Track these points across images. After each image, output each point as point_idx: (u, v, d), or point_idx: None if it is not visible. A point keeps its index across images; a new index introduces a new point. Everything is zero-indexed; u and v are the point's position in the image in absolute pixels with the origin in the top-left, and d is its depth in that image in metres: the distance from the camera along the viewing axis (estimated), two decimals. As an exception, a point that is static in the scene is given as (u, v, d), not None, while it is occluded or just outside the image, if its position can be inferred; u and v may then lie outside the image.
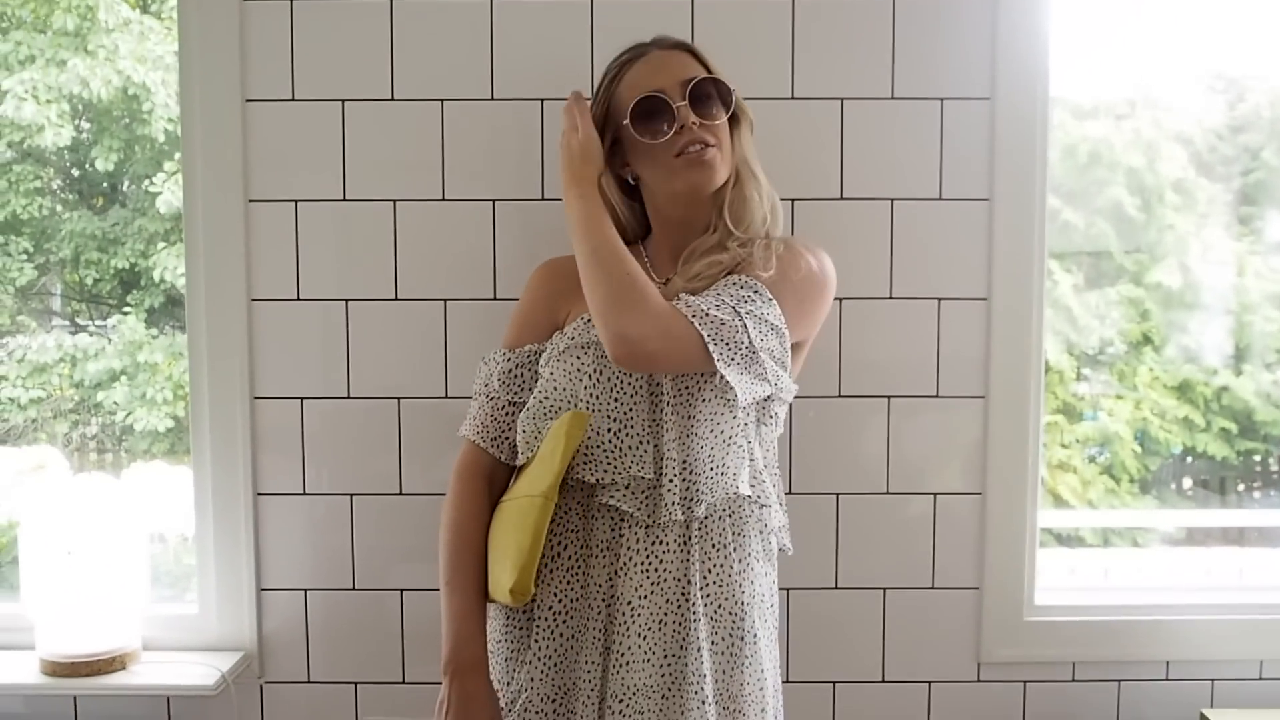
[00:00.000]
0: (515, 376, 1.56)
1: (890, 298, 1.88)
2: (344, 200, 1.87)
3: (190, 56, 1.86)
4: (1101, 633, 1.95)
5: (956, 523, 1.91)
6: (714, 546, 1.46)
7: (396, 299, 1.88)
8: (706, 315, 1.37)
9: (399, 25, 1.84)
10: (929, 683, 1.96)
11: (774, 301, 1.42)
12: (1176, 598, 2.01)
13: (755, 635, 1.47)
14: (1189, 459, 2.49)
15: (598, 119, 1.52)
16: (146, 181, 2.78)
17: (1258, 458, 2.55)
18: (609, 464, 1.43)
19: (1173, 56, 2.44)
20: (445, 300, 1.88)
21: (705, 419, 1.44)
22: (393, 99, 1.86)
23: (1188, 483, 2.72)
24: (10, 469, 2.06)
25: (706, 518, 1.46)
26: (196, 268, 1.89)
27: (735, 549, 1.48)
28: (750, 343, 1.38)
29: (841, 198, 1.86)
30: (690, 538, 1.45)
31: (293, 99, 1.86)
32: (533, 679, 1.45)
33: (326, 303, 1.88)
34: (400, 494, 1.91)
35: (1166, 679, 1.97)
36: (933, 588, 1.94)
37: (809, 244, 1.53)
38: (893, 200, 1.88)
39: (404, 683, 1.95)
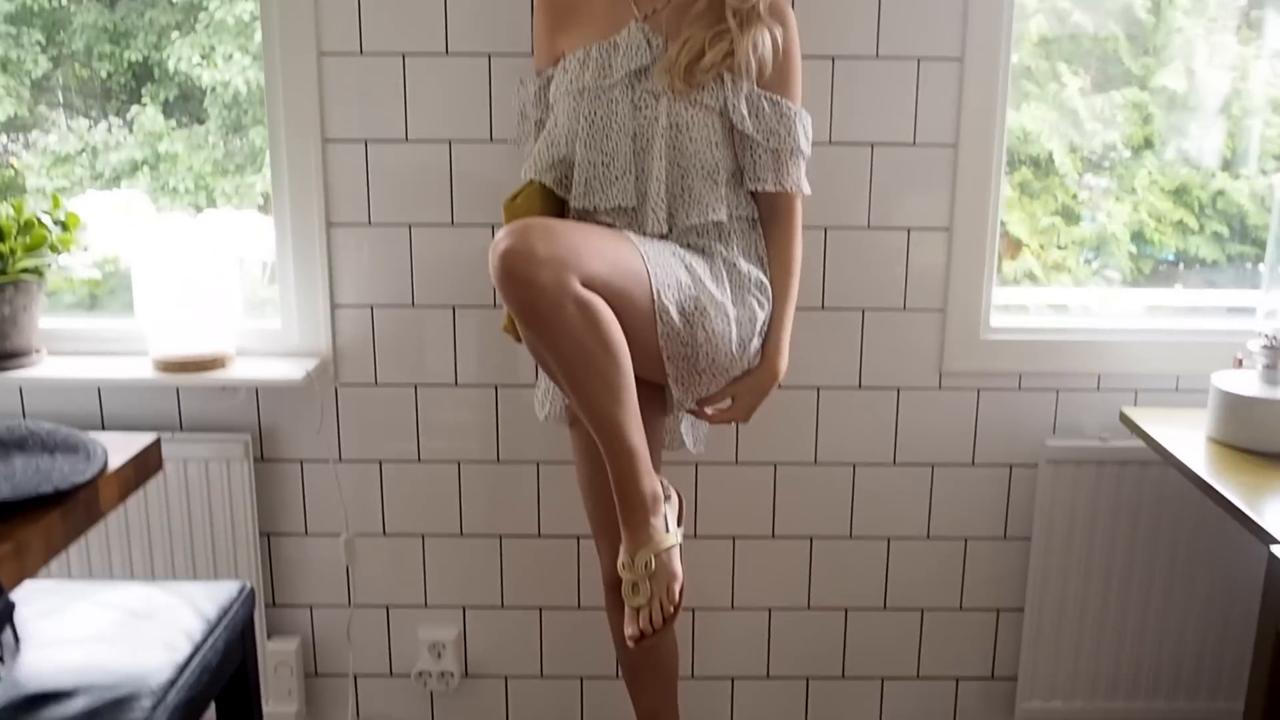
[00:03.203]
0: (540, 98, 1.99)
1: (876, 57, 2.25)
2: (402, -36, 2.22)
3: None
4: (1044, 350, 2.39)
5: (927, 254, 2.33)
6: (692, 245, 1.89)
7: (447, 54, 2.25)
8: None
9: None
10: (898, 389, 2.40)
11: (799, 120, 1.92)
12: (1109, 323, 2.44)
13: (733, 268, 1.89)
14: (1180, 265, 2.63)
15: None
16: None
17: (1248, 264, 2.66)
18: (601, 192, 1.85)
19: None
20: (489, 55, 2.24)
21: (690, 155, 1.86)
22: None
23: (1179, 287, 2.91)
24: (105, 209, 2.45)
25: (688, 229, 1.88)
26: (271, 26, 2.25)
27: (719, 241, 1.90)
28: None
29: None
30: (677, 236, 1.88)
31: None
32: None
33: (387, 57, 2.25)
34: (451, 224, 2.31)
35: (1097, 389, 2.41)
36: (904, 309, 2.36)
37: (788, 13, 1.93)
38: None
39: (456, 385, 2.39)
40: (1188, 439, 2.12)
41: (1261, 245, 2.60)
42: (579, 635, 2.52)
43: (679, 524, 1.84)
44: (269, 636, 2.49)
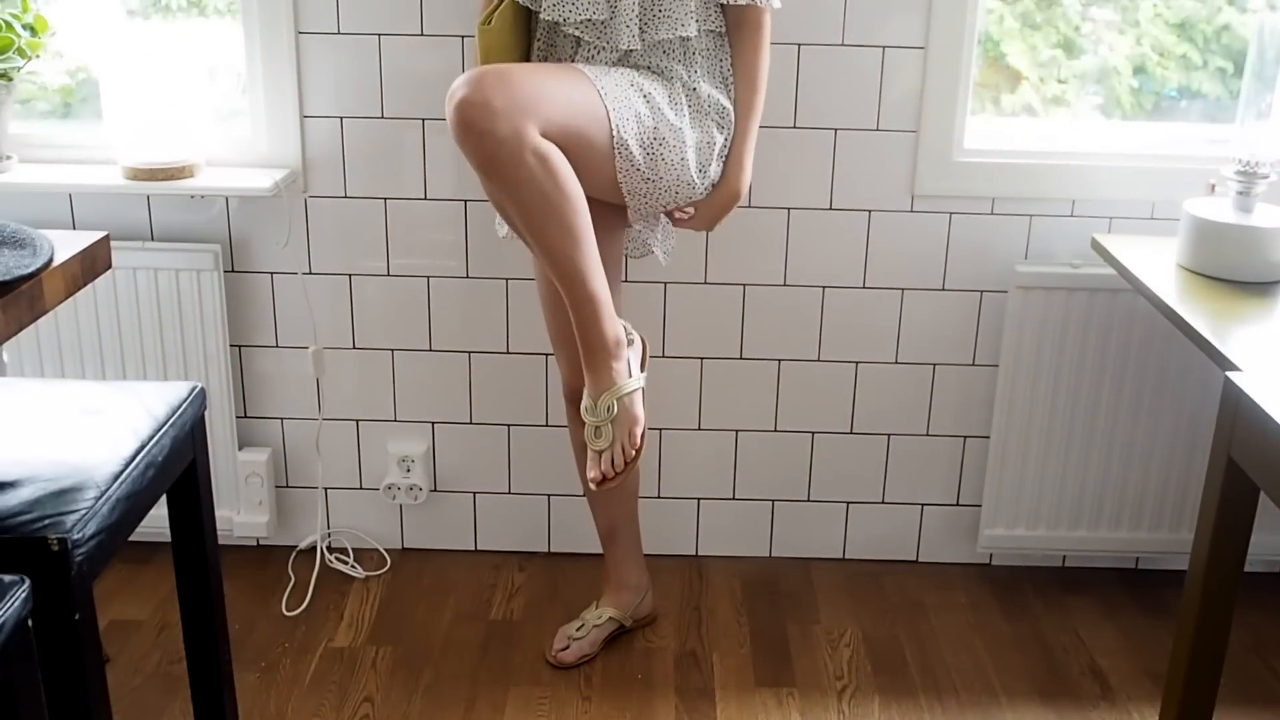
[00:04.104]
0: None
1: None
2: None
3: None
4: (1017, 173, 2.39)
5: (900, 74, 2.31)
6: (654, 66, 1.89)
7: None
8: None
9: None
10: (869, 211, 2.41)
11: None
12: (1085, 146, 2.43)
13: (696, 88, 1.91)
14: (1183, 101, 2.58)
15: None
16: None
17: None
18: (572, 4, 1.83)
19: None
20: None
21: None
22: None
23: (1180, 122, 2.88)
24: (76, 13, 2.44)
25: (656, 44, 1.88)
26: None
27: (682, 63, 1.90)
28: None
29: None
30: (627, 59, 1.88)
31: None
32: None
33: None
34: (421, 34, 2.31)
35: (1071, 215, 2.41)
36: (877, 130, 2.35)
37: None
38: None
39: (425, 199, 2.40)
40: (1158, 266, 2.13)
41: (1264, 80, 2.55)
42: (546, 451, 2.56)
43: (642, 368, 1.89)
44: (239, 448, 2.54)
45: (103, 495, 1.44)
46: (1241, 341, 1.78)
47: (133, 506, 1.51)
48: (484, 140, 1.64)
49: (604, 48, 1.88)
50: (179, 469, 1.70)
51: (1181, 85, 2.57)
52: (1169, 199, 2.37)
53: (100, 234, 1.56)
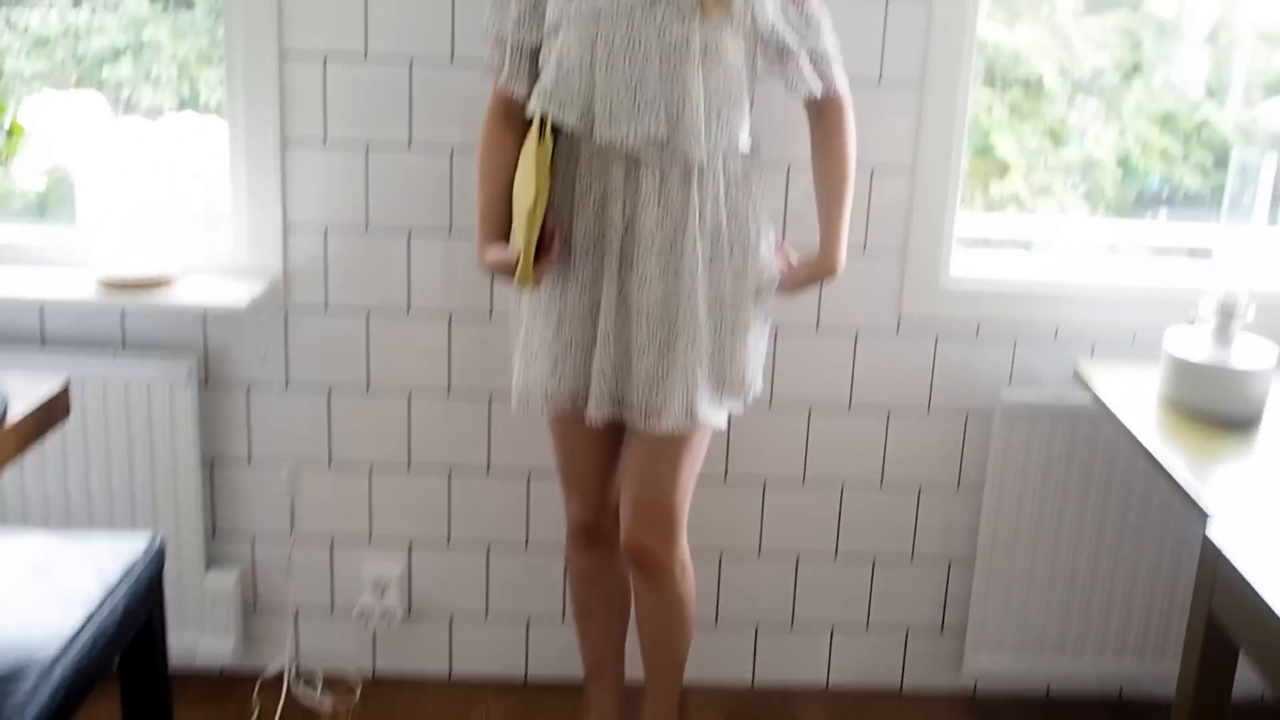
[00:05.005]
0: (525, 19, 1.84)
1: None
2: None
3: None
4: (1003, 298, 2.41)
5: (888, 197, 2.34)
6: (710, 180, 1.85)
7: (411, -27, 2.24)
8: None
9: None
10: (856, 331, 2.41)
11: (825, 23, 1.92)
12: (1068, 273, 2.47)
13: (741, 247, 1.89)
14: (1165, 191, 2.63)
15: None
16: None
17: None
18: (628, 123, 1.74)
19: None
20: (454, -24, 2.24)
21: (720, 79, 1.81)
22: None
23: (1163, 213, 2.81)
24: (58, 112, 2.40)
25: (708, 161, 1.84)
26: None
27: (723, 182, 1.87)
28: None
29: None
30: (693, 176, 1.83)
31: None
32: (573, 296, 1.86)
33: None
34: (409, 147, 2.30)
35: (1055, 339, 2.43)
36: (864, 250, 2.37)
37: None
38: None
39: (408, 313, 2.37)
40: (1139, 399, 2.14)
41: None
42: (527, 575, 2.50)
43: None
44: (208, 568, 2.45)
45: (43, 679, 1.33)
46: (1221, 486, 1.77)
47: (78, 684, 1.39)
48: (654, 572, 2.02)
49: (663, 165, 1.80)
50: (132, 633, 1.59)
51: (1165, 177, 2.62)
52: (1151, 324, 2.39)
53: (60, 381, 1.49)
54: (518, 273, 1.81)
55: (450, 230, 2.34)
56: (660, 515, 1.98)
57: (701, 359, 1.85)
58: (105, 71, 2.84)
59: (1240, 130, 2.59)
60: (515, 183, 1.88)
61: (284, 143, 2.31)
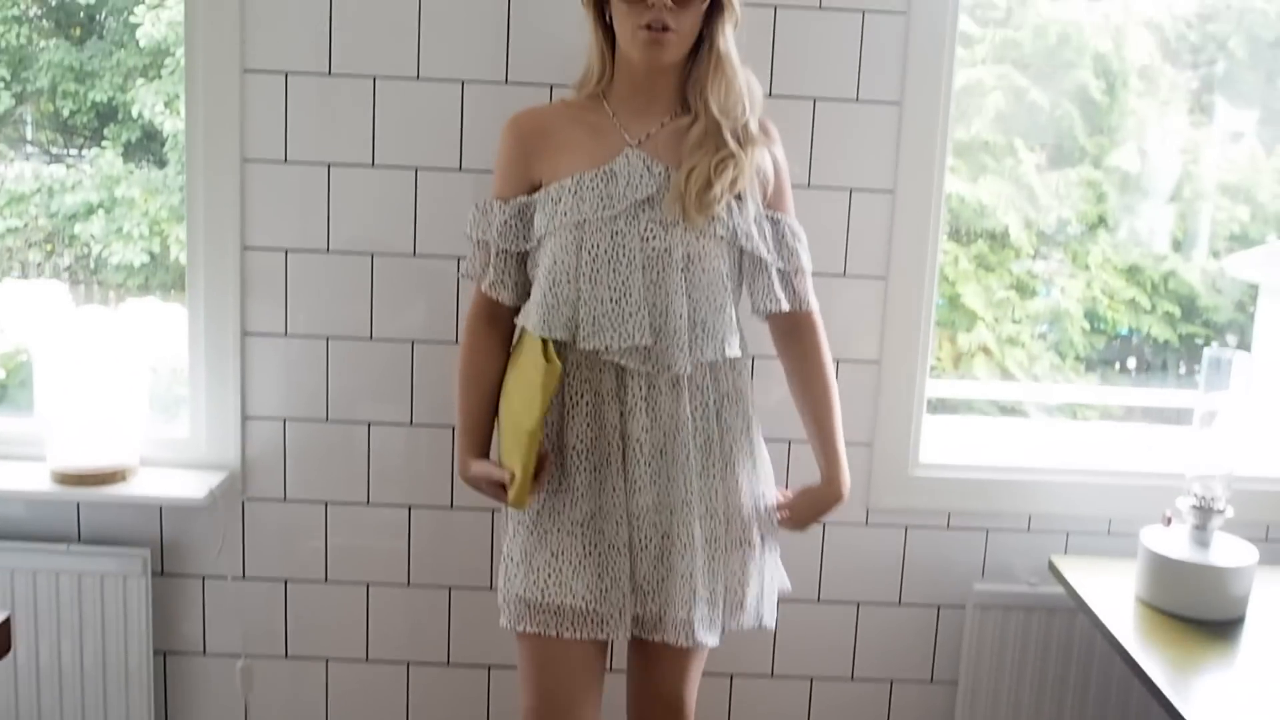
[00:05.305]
0: (510, 227, 1.81)
1: (808, 185, 2.24)
2: (329, 75, 2.21)
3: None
4: (973, 488, 2.37)
5: (855, 388, 2.30)
6: (699, 389, 1.81)
7: (373, 165, 2.23)
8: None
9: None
10: (824, 524, 2.35)
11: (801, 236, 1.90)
12: (1040, 461, 2.42)
13: (734, 462, 1.85)
14: (1134, 339, 2.65)
15: None
16: (127, 14, 2.81)
17: (1200, 340, 2.69)
18: (613, 331, 1.72)
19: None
20: (416, 169, 2.23)
21: (704, 287, 1.78)
22: (376, -15, 2.19)
23: (1132, 362, 2.86)
24: (18, 301, 2.40)
25: (696, 371, 1.81)
26: (196, 130, 2.23)
27: (713, 393, 1.83)
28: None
29: (769, 95, 2.21)
30: (681, 384, 1.80)
31: (285, -20, 2.19)
32: (568, 504, 1.80)
33: (311, 166, 2.23)
34: (370, 339, 2.28)
35: (1028, 530, 2.38)
36: (833, 444, 2.32)
37: (773, 130, 1.90)
38: (815, 99, 2.23)
39: (368, 504, 2.33)
40: (1116, 596, 2.10)
41: (1211, 326, 2.65)
42: (487, 770, 2.44)
43: None
44: (158, 763, 2.39)
45: None
46: (1203, 695, 1.73)
47: None
48: None
49: (649, 373, 1.76)
50: None
51: (1132, 327, 2.60)
52: (1126, 515, 2.35)
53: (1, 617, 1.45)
54: (512, 494, 1.76)
55: (411, 421, 2.31)
56: (672, 715, 1.93)
57: (698, 571, 1.79)
58: (77, 228, 2.87)
59: (1208, 281, 2.57)
60: (508, 396, 1.85)
61: (244, 332, 2.29)
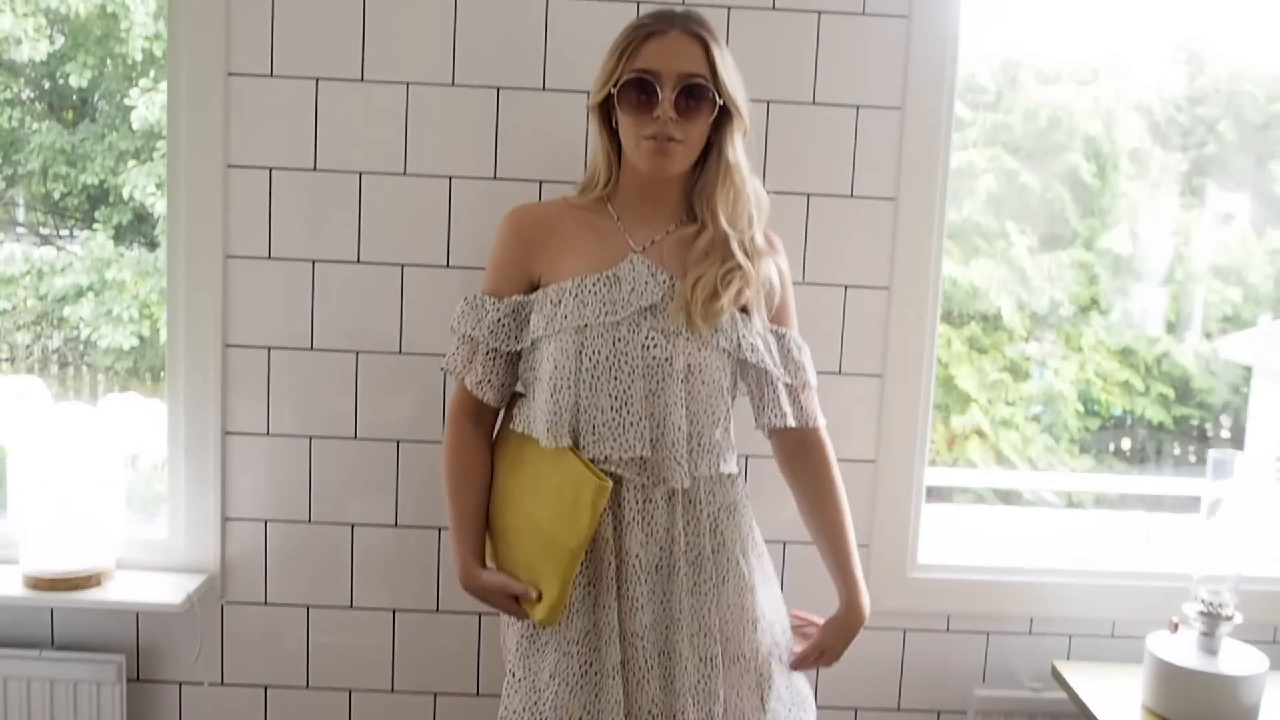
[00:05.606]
0: (502, 326, 1.76)
1: (802, 282, 2.20)
2: (314, 170, 2.17)
3: (178, 35, 2.15)
4: (974, 590, 2.31)
5: (851, 487, 2.24)
6: (692, 503, 1.76)
7: (359, 261, 2.19)
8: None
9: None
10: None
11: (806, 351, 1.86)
12: (1042, 561, 2.37)
13: (728, 577, 1.77)
14: (1128, 421, 2.66)
15: (610, 65, 1.73)
16: (120, 96, 2.87)
17: (1194, 422, 2.73)
18: (612, 440, 1.68)
19: (1137, 25, 2.59)
20: (403, 265, 2.19)
21: (703, 400, 1.74)
22: (362, 80, 2.15)
23: (1126, 444, 2.89)
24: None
25: (691, 485, 1.75)
26: (178, 227, 2.18)
27: (707, 508, 1.77)
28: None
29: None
30: (676, 498, 1.74)
31: (271, 75, 2.15)
32: (563, 620, 1.72)
33: (294, 262, 2.18)
34: (355, 438, 2.22)
35: (1030, 633, 2.32)
36: (829, 545, 2.27)
37: (777, 241, 1.87)
38: (809, 195, 2.20)
39: (351, 608, 2.27)
40: (1122, 704, 2.05)
41: (1205, 408, 2.65)
42: None
43: None
44: None
45: None
46: None
47: None
48: None
49: (645, 485, 1.71)
50: None
51: (1126, 409, 2.57)
52: (1131, 618, 2.30)
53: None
54: (544, 612, 1.69)
55: (396, 522, 2.25)
56: None
57: (686, 691, 1.71)
58: (66, 310, 2.83)
59: (1201, 363, 2.55)
60: (519, 504, 1.77)
61: (225, 431, 2.23)
